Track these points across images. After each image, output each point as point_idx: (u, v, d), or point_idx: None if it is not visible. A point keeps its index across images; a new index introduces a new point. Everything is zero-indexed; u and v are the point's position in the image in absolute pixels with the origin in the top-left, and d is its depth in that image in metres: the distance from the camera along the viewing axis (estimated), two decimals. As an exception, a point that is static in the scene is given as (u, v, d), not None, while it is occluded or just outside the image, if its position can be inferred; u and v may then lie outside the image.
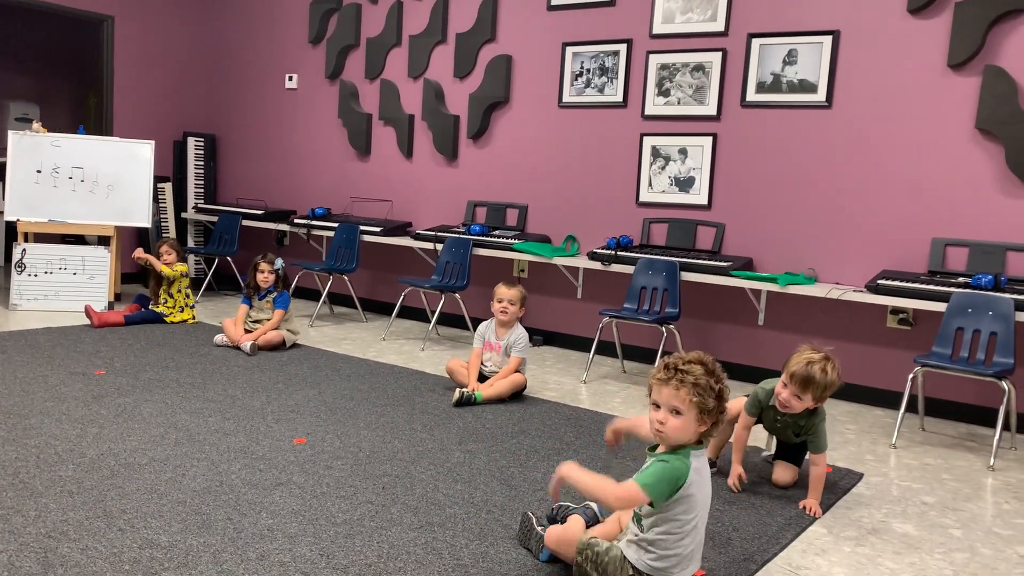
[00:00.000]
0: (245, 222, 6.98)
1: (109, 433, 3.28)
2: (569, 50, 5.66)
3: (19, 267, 5.91)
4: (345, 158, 6.98)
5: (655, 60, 5.30)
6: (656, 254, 5.00)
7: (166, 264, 5.57)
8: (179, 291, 5.69)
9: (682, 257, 4.89)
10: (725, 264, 4.75)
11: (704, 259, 4.85)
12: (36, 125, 6.27)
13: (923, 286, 4.14)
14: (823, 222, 4.79)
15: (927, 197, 4.48)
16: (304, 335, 5.48)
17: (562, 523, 2.39)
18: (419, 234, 5.96)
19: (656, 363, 2.19)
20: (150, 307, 5.67)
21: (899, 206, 4.56)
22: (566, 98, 5.70)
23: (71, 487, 2.71)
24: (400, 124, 6.56)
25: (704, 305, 5.20)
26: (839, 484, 3.21)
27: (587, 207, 5.65)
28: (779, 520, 2.81)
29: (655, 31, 5.29)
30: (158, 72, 7.61)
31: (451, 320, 6.15)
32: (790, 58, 4.83)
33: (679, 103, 5.24)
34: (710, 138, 5.13)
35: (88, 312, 5.40)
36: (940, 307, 4.06)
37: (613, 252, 5.09)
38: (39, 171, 6.15)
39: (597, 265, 5.14)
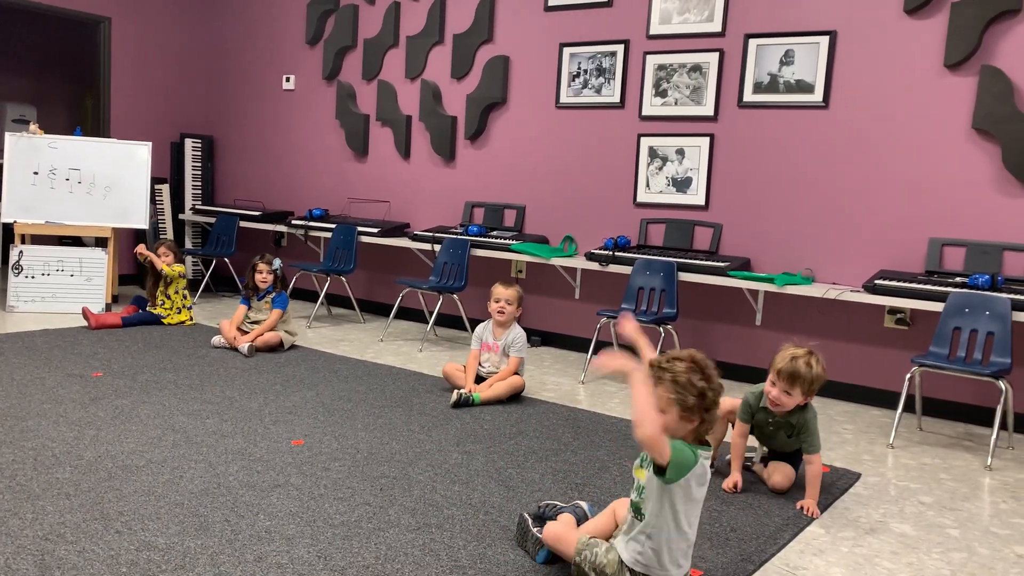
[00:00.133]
0: (243, 223, 6.98)
1: (106, 435, 3.27)
2: (566, 51, 5.66)
3: (16, 269, 5.90)
4: (342, 159, 6.98)
5: (652, 61, 5.30)
6: (653, 254, 5.00)
7: (164, 264, 5.57)
8: (176, 292, 5.69)
9: (679, 257, 4.90)
10: (722, 264, 4.75)
11: (701, 259, 4.85)
12: (33, 126, 6.25)
13: (920, 286, 4.15)
14: (820, 222, 4.80)
15: (924, 197, 4.48)
16: (302, 336, 5.47)
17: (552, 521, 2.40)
18: (417, 235, 5.96)
19: None
20: (147, 309, 5.66)
21: (896, 206, 4.56)
22: (563, 99, 5.70)
23: (68, 489, 2.71)
24: (397, 125, 6.55)
25: (701, 305, 5.20)
26: (836, 484, 3.21)
27: (585, 208, 5.65)
28: (777, 520, 2.81)
29: (652, 32, 5.29)
30: (155, 73, 7.60)
31: (449, 321, 6.15)
32: (787, 58, 4.83)
33: (676, 104, 5.24)
34: (707, 138, 5.13)
35: (85, 314, 5.39)
36: (937, 307, 4.07)
37: (611, 252, 5.09)
38: (36, 173, 6.14)
39: (595, 265, 5.14)
